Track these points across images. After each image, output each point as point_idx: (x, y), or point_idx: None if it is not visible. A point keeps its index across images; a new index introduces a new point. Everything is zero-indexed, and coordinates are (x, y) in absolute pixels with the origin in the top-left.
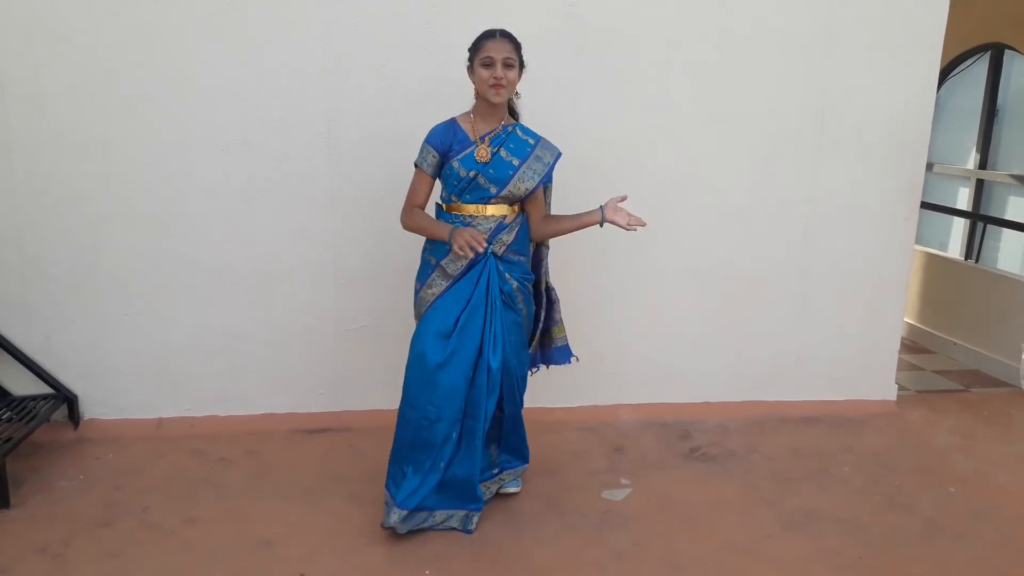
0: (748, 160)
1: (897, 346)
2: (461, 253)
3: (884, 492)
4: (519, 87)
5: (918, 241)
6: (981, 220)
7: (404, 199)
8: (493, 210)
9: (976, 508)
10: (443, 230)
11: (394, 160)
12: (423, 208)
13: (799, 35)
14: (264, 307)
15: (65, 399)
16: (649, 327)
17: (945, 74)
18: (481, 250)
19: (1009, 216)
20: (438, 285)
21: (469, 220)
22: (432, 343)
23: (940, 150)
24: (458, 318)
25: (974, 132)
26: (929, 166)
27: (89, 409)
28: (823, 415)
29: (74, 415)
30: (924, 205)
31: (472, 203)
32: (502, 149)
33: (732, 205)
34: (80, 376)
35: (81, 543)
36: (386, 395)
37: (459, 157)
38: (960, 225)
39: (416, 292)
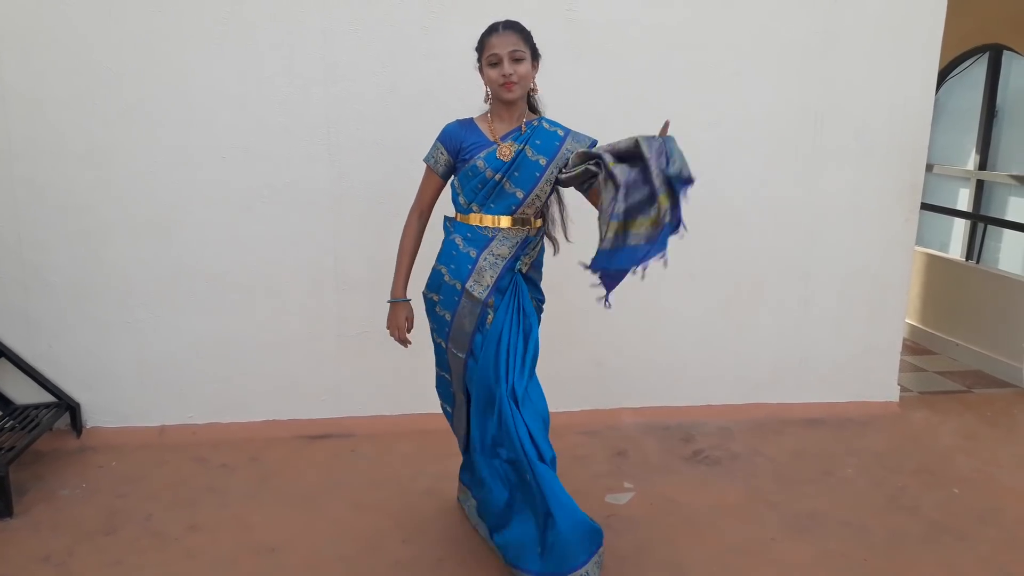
0: (747, 163)
1: (899, 347)
2: (389, 332)
3: (887, 494)
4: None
5: (919, 242)
6: (981, 221)
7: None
8: (519, 223)
9: (980, 509)
10: (396, 286)
11: (394, 166)
12: (429, 210)
13: (798, 38)
14: (265, 314)
15: (67, 407)
16: (650, 330)
17: (944, 75)
18: (404, 346)
19: (1009, 216)
20: (471, 315)
21: (491, 235)
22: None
23: (940, 151)
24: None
25: (974, 133)
26: (929, 167)
27: (91, 417)
28: (826, 417)
29: (76, 423)
30: (924, 206)
31: (496, 214)
32: (527, 147)
33: (732, 208)
34: (82, 384)
35: (84, 552)
36: (388, 401)
37: (482, 155)
38: (961, 226)
39: (431, 310)
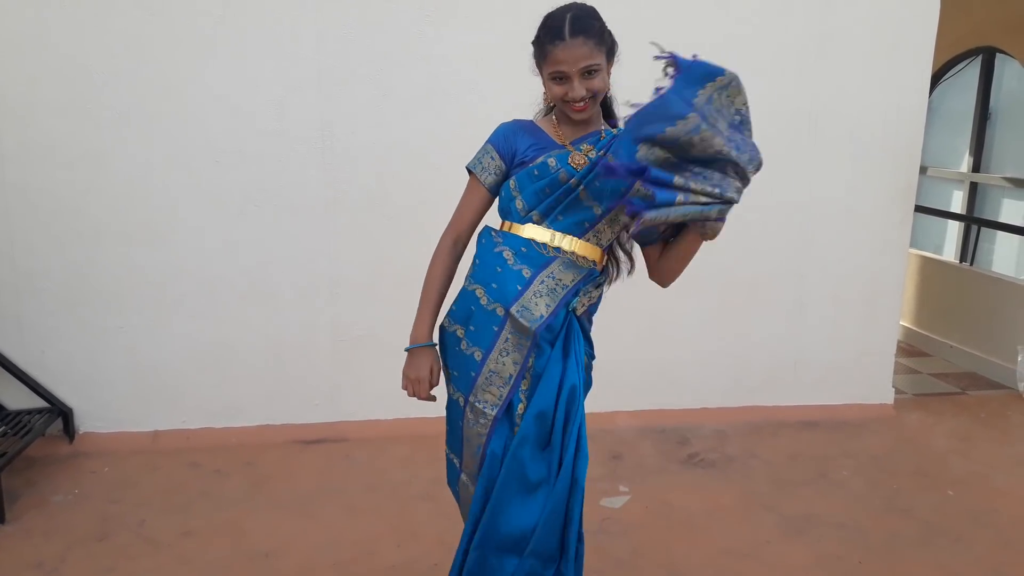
0: None
1: (893, 349)
2: (403, 387)
3: (882, 496)
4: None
5: (913, 244)
6: (975, 223)
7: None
8: (588, 251)
9: (974, 511)
10: (420, 326)
11: (388, 169)
12: (468, 235)
13: (792, 40)
14: (259, 318)
15: (60, 413)
16: (646, 333)
17: (937, 78)
18: (428, 400)
19: (1003, 219)
20: (516, 352)
21: (553, 256)
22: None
23: (934, 153)
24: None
25: (967, 135)
26: (923, 169)
27: (84, 423)
28: (821, 419)
29: (69, 429)
30: (918, 208)
31: (562, 231)
32: (610, 156)
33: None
34: (75, 389)
35: (77, 558)
36: (382, 406)
37: (553, 154)
38: (955, 228)
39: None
